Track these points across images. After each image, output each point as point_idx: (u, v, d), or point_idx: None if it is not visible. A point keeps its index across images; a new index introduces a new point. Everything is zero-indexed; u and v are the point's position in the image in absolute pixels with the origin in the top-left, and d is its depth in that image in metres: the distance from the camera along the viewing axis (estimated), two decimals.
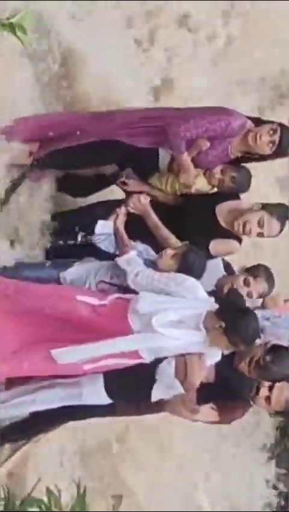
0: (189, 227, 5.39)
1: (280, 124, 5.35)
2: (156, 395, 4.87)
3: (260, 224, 5.32)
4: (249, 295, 5.27)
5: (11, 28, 3.58)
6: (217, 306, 4.83)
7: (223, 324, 4.62)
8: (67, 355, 4.76)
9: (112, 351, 4.75)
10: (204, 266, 5.00)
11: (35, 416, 5.20)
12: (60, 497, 4.89)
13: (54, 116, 5.70)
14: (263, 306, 5.54)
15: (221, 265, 5.54)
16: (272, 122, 5.39)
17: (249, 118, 5.41)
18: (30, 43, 4.50)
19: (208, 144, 5.25)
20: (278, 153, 5.37)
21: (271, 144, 5.30)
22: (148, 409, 5.21)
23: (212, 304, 4.84)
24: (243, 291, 5.23)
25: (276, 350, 4.91)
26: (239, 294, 5.10)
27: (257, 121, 5.43)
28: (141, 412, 5.36)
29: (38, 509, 4.69)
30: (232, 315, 4.72)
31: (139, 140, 5.36)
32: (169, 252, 4.95)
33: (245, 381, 5.03)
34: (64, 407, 5.07)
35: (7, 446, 5.64)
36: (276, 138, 5.27)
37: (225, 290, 5.27)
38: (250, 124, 5.31)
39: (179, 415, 5.10)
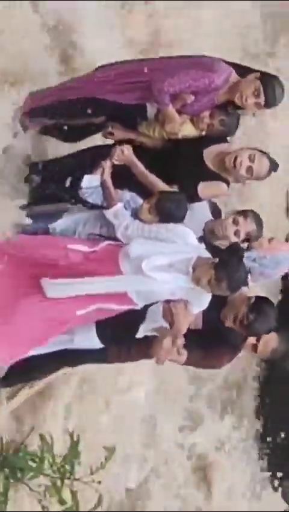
0: (178, 171, 5.41)
1: (263, 79, 5.32)
2: (142, 332, 4.97)
3: (251, 158, 5.35)
4: (237, 234, 5.33)
5: None
6: (207, 253, 4.86)
7: (216, 260, 4.66)
8: (56, 287, 4.82)
9: (100, 290, 4.80)
10: (183, 208, 5.06)
11: (29, 361, 5.21)
12: (53, 445, 5.11)
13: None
14: (248, 248, 5.51)
15: (208, 208, 5.57)
16: (255, 72, 5.36)
17: (233, 65, 5.39)
18: None
19: (192, 97, 5.25)
20: (266, 106, 5.42)
21: (257, 105, 5.30)
22: (138, 354, 5.27)
23: (202, 250, 4.90)
24: (231, 229, 5.29)
25: (258, 306, 4.98)
26: (241, 247, 5.11)
27: (241, 69, 5.40)
28: (132, 358, 5.43)
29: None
30: (228, 255, 4.78)
31: (125, 97, 5.39)
32: (145, 206, 5.02)
33: (232, 331, 5.11)
34: (57, 353, 5.16)
35: (7, 390, 5.69)
36: (261, 100, 5.26)
37: (216, 231, 5.34)
38: (234, 76, 5.30)
39: (166, 357, 5.07)
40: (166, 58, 5.66)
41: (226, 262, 4.70)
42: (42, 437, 5.10)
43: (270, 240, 5.46)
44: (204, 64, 5.32)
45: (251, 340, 5.22)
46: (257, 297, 5.04)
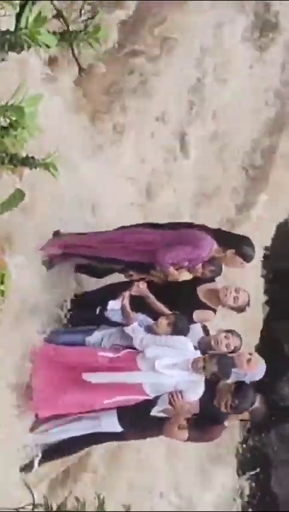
0: (179, 301, 6.22)
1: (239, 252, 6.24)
2: (154, 412, 5.77)
3: (236, 291, 6.27)
4: (228, 346, 6.08)
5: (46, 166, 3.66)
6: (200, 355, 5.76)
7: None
8: (94, 377, 5.70)
9: (125, 381, 5.67)
10: (188, 327, 5.99)
11: (66, 442, 6.06)
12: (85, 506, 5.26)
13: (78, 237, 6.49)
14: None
15: (201, 328, 6.35)
16: (231, 246, 6.21)
17: (212, 232, 6.22)
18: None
19: (187, 263, 6.07)
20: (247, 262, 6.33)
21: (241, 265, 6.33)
22: (150, 433, 6.10)
23: (197, 354, 5.83)
24: (224, 342, 6.08)
25: (239, 390, 5.77)
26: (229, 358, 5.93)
27: (220, 237, 6.21)
28: (145, 436, 6.23)
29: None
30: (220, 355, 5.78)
31: (136, 258, 6.20)
32: (164, 321, 5.88)
33: (220, 411, 5.87)
34: (87, 435, 6.00)
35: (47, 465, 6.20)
36: (243, 265, 6.28)
37: (212, 343, 6.14)
38: (215, 248, 6.12)
39: (173, 436, 5.93)
40: (167, 231, 6.28)
41: (218, 357, 5.73)
42: (77, 499, 5.12)
43: (248, 361, 6.12)
44: (194, 240, 6.06)
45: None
46: (236, 384, 5.82)
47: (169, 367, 5.78)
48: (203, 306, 6.41)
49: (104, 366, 5.84)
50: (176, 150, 8.37)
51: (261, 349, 8.63)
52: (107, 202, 7.41)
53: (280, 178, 9.41)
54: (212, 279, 6.43)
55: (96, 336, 6.19)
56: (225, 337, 6.17)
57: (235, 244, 6.28)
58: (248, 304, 6.42)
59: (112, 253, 6.28)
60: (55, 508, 5.19)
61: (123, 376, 5.76)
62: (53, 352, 5.97)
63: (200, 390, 5.83)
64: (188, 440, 6.01)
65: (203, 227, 6.36)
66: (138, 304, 6.13)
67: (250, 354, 6.28)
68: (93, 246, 6.36)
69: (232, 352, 6.16)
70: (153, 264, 6.21)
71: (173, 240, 6.12)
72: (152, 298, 6.15)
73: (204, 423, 5.96)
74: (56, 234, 6.53)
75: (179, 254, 6.05)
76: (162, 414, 5.83)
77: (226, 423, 6.10)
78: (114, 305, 6.22)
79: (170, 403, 5.78)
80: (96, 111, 7.10)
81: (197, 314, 6.37)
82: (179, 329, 5.96)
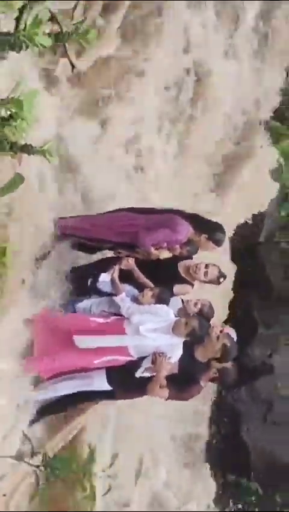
0: (161, 276, 6.27)
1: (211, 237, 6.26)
2: (139, 372, 5.80)
3: (206, 266, 6.27)
4: (196, 305, 6.20)
5: (43, 152, 3.72)
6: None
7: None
8: (84, 341, 5.75)
9: (111, 344, 5.73)
10: (169, 299, 6.06)
11: (59, 400, 6.13)
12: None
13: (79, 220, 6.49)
14: None
15: (180, 300, 6.35)
16: (204, 231, 6.23)
17: (190, 218, 6.23)
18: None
19: (165, 244, 6.13)
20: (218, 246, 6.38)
21: (213, 249, 6.36)
22: (135, 393, 6.09)
23: (176, 319, 5.89)
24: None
25: (229, 336, 5.94)
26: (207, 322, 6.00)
27: (196, 222, 6.24)
28: (131, 396, 6.24)
29: None
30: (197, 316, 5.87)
31: (122, 238, 6.23)
32: (149, 293, 5.97)
33: (198, 370, 5.93)
34: (81, 392, 6.03)
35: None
36: (216, 249, 6.33)
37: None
38: (191, 232, 6.17)
39: (155, 394, 5.90)
40: (150, 213, 6.33)
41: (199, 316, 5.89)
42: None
43: (221, 331, 6.02)
44: (172, 225, 6.10)
45: (212, 375, 6.01)
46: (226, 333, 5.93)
47: (152, 331, 5.81)
48: (182, 281, 6.41)
49: (94, 329, 5.87)
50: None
51: (232, 316, 8.65)
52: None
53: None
54: (189, 257, 6.44)
55: (85, 303, 6.26)
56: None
57: (209, 230, 6.31)
58: (222, 276, 6.41)
59: (102, 234, 6.32)
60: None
61: (111, 340, 5.80)
62: (49, 318, 5.99)
63: (179, 351, 5.85)
64: (168, 398, 5.99)
65: (182, 213, 6.35)
66: (126, 277, 6.18)
67: (222, 327, 6.25)
68: (86, 228, 6.39)
69: (201, 312, 6.20)
70: (137, 244, 6.25)
71: (154, 224, 6.17)
72: (138, 272, 6.19)
73: (182, 382, 5.96)
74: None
75: (158, 236, 6.11)
76: (145, 374, 5.83)
77: (202, 383, 6.07)
78: (104, 277, 6.25)
79: (153, 362, 5.79)
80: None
81: (176, 288, 6.37)
82: (162, 299, 6.01)
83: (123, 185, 7.57)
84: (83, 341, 5.82)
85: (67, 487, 5.78)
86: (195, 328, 5.78)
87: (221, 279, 6.45)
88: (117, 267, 6.14)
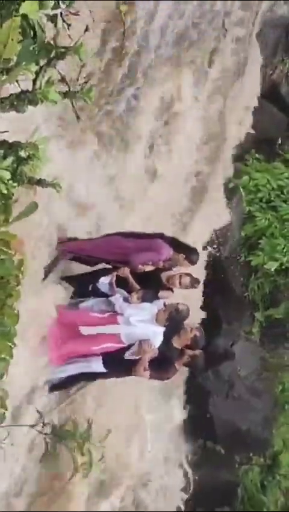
0: (149, 283, 6.25)
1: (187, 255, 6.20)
2: (127, 355, 5.85)
3: (180, 277, 6.22)
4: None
5: (53, 185, 3.71)
6: None
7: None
8: (87, 329, 5.85)
9: (109, 331, 5.82)
10: (151, 298, 6.08)
11: (68, 378, 6.17)
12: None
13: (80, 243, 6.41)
14: None
15: (163, 303, 6.22)
16: (182, 251, 6.19)
17: (169, 240, 6.25)
18: None
19: (151, 263, 6.15)
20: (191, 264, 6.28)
21: (187, 266, 6.26)
22: (125, 373, 6.08)
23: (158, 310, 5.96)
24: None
25: (200, 329, 6.04)
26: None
27: (175, 244, 6.25)
28: (122, 375, 6.21)
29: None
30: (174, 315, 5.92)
31: (115, 257, 6.25)
32: (135, 295, 6.04)
33: (174, 356, 6.01)
34: (81, 374, 6.11)
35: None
36: (188, 265, 6.19)
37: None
38: (171, 254, 6.15)
39: (140, 374, 5.92)
40: (138, 237, 6.31)
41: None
42: (73, 421, 5.65)
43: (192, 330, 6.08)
44: (157, 249, 6.14)
45: (185, 360, 6.04)
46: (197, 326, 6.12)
47: (140, 321, 5.89)
48: (165, 288, 6.40)
49: (94, 322, 5.94)
50: None
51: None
52: None
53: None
54: (170, 269, 6.42)
55: (86, 303, 6.29)
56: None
57: (186, 252, 6.28)
58: (196, 282, 6.35)
59: (100, 254, 6.32)
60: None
61: (108, 328, 5.87)
62: (60, 315, 6.00)
63: (160, 338, 5.91)
64: (150, 377, 6.02)
65: (163, 236, 6.35)
66: (119, 282, 6.21)
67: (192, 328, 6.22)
68: (86, 249, 6.38)
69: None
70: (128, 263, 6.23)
71: (142, 248, 6.20)
72: (130, 279, 6.19)
73: (162, 365, 5.99)
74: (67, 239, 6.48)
75: (146, 258, 6.14)
76: (133, 357, 5.85)
77: (177, 367, 6.08)
78: (104, 280, 6.27)
79: (140, 348, 5.83)
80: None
81: (160, 293, 6.37)
82: (145, 298, 6.08)
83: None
84: (86, 330, 5.87)
85: (70, 452, 5.58)
86: (172, 312, 5.86)
87: (196, 285, 6.38)
88: (114, 274, 6.17)
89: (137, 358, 5.84)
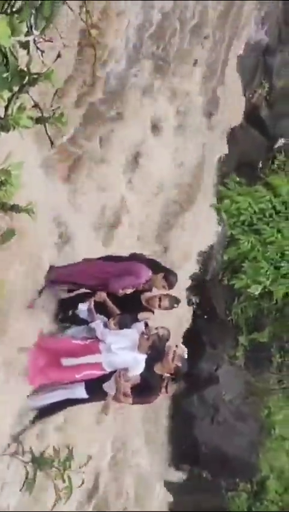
0: (128, 305, 6.19)
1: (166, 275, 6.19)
2: (105, 387, 5.84)
3: (160, 299, 6.21)
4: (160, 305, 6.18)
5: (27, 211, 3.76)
6: None
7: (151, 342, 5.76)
8: (69, 361, 5.78)
9: (90, 361, 5.76)
10: (128, 322, 6.00)
11: (49, 406, 6.07)
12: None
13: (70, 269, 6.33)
14: None
15: (143, 325, 6.14)
16: (160, 272, 6.20)
17: (148, 261, 6.27)
18: None
19: (131, 287, 6.06)
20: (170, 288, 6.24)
21: (164, 289, 6.22)
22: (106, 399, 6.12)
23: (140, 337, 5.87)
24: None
25: (183, 358, 5.93)
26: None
27: (153, 265, 6.24)
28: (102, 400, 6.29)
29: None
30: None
31: (95, 283, 6.18)
32: (112, 321, 5.97)
33: (155, 383, 5.97)
34: (64, 401, 6.01)
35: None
36: (167, 287, 6.16)
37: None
38: (150, 275, 6.12)
39: (121, 401, 5.90)
40: (118, 261, 6.28)
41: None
42: (54, 448, 5.56)
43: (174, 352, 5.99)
44: (135, 272, 6.09)
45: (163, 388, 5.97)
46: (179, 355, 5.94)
47: (121, 349, 5.85)
48: (145, 309, 6.36)
49: (76, 350, 5.87)
50: None
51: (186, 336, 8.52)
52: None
53: None
54: (150, 290, 6.40)
55: (71, 331, 6.23)
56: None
57: (164, 272, 6.28)
58: (175, 302, 6.33)
59: (83, 280, 6.26)
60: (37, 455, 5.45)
61: (89, 358, 5.82)
62: (42, 342, 5.93)
63: (142, 365, 5.87)
64: (133, 403, 6.02)
65: (142, 258, 6.39)
66: (98, 307, 6.16)
67: (176, 347, 6.18)
68: (73, 276, 6.31)
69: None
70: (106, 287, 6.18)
71: (121, 271, 6.16)
72: (109, 302, 6.15)
73: (144, 390, 5.97)
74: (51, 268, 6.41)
75: (125, 282, 6.09)
76: (110, 390, 5.86)
77: (158, 392, 6.05)
78: (82, 307, 6.23)
79: (116, 380, 5.77)
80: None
81: (140, 315, 6.31)
82: (123, 324, 6.01)
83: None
84: (68, 361, 5.82)
85: (49, 479, 5.57)
86: (155, 341, 5.80)
87: (176, 305, 6.33)
88: (92, 300, 6.12)
89: (113, 393, 5.83)
